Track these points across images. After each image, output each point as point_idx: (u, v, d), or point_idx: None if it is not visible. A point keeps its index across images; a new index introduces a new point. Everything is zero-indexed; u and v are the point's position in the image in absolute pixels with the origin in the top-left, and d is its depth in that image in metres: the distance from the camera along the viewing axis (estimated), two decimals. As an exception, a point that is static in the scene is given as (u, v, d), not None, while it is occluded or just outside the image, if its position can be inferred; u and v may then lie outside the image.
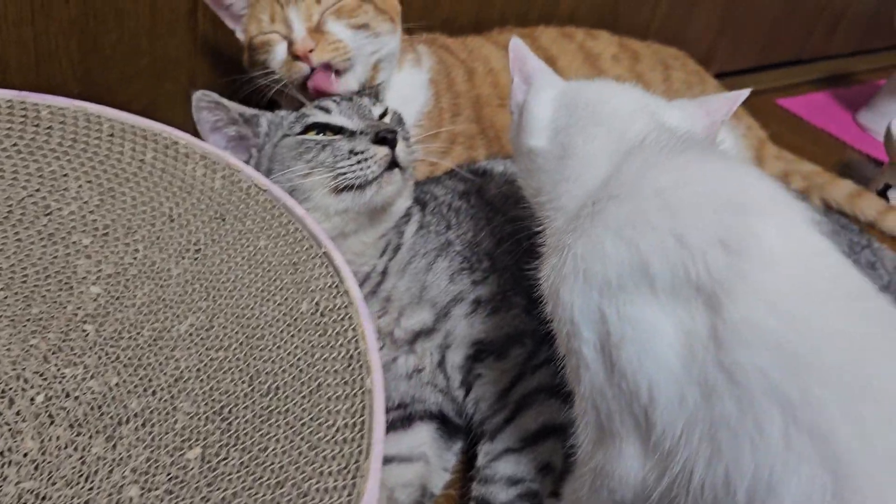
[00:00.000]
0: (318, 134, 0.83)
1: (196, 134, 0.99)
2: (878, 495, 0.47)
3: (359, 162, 0.78)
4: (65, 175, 0.78)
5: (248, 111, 0.87)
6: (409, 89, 1.02)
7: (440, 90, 1.05)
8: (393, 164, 0.80)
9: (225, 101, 0.85)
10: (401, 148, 0.81)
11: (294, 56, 0.91)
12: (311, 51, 0.90)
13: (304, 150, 0.81)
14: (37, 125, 0.80)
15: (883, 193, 1.47)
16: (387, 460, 0.80)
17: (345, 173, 0.78)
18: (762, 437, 0.49)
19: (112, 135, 0.80)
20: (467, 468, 0.82)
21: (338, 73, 0.93)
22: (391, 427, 0.83)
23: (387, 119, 0.88)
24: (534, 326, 0.80)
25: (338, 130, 0.83)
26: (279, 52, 0.93)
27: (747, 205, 0.56)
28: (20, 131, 0.79)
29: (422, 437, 0.82)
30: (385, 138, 0.79)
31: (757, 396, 0.50)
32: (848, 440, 0.48)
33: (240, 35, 0.98)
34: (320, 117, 0.83)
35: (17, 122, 0.79)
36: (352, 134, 0.82)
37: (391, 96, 1.01)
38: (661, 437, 0.54)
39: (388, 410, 0.84)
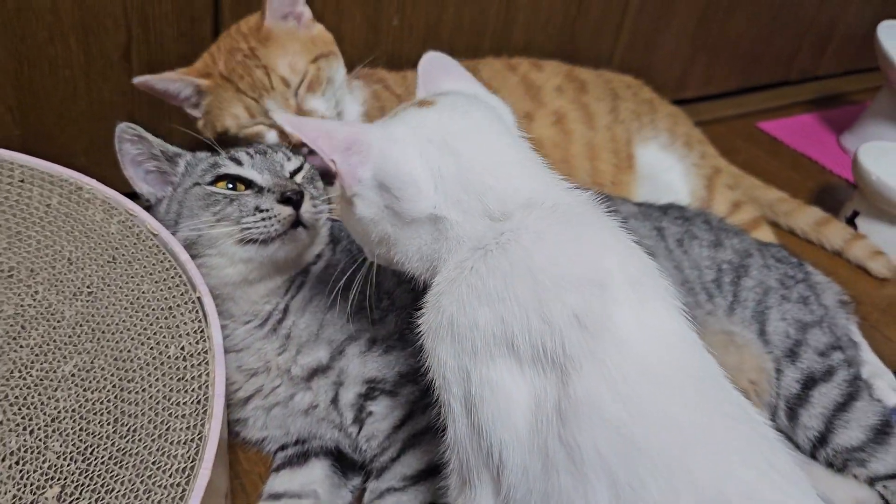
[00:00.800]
0: (228, 184, 0.84)
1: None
2: None
3: (263, 219, 0.80)
4: (-24, 219, 0.82)
5: (171, 149, 0.89)
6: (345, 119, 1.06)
7: (372, 120, 1.08)
8: (297, 223, 0.82)
9: (149, 135, 0.87)
10: (306, 208, 0.82)
11: (288, 141, 0.98)
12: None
13: (213, 202, 0.82)
14: (-48, 171, 0.84)
15: (851, 221, 1.44)
16: (277, 496, 0.82)
17: (249, 228, 0.80)
18: None
19: (23, 180, 0.84)
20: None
21: None
22: (288, 463, 0.85)
23: (301, 174, 0.89)
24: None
25: (248, 183, 0.84)
26: (270, 138, 1.00)
27: (607, 285, 0.57)
28: (-65, 176, 0.83)
29: (315, 474, 0.83)
30: (290, 199, 0.81)
31: (589, 473, 0.52)
32: None
33: (200, 121, 1.03)
34: (232, 169, 0.85)
35: (-68, 168, 0.84)
36: (260, 189, 0.83)
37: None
38: (508, 496, 0.57)
39: (286, 446, 0.86)
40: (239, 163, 0.84)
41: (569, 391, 0.52)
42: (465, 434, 0.58)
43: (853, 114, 1.87)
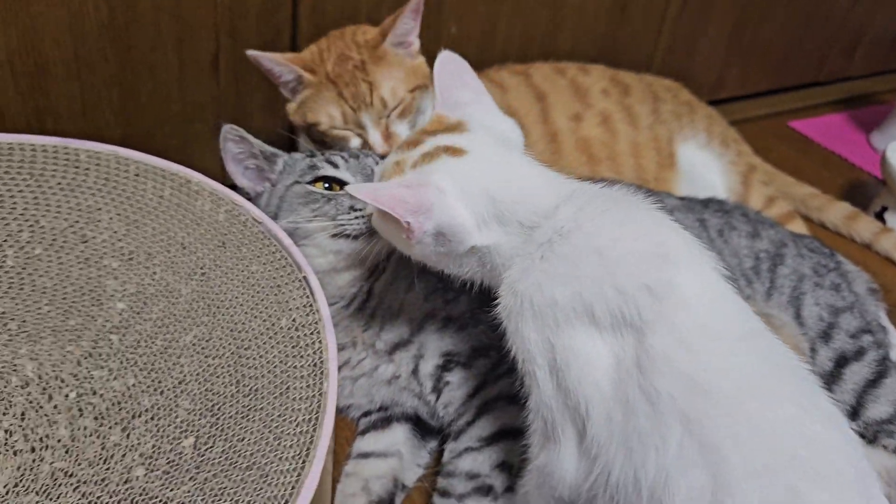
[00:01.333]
0: (325, 185, 0.94)
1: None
2: (744, 498, 0.58)
3: (356, 217, 0.90)
4: (98, 209, 0.92)
5: (269, 149, 0.99)
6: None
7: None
8: None
9: (250, 136, 0.98)
10: None
11: (370, 148, 1.07)
12: (386, 153, 1.01)
13: (312, 199, 0.92)
14: (77, 166, 0.95)
15: (880, 216, 1.52)
16: (366, 455, 0.92)
17: (343, 224, 0.90)
18: (664, 447, 0.61)
19: (137, 174, 0.94)
20: (439, 465, 0.93)
21: None
22: (373, 427, 0.95)
23: None
24: (498, 341, 0.91)
25: (342, 184, 0.94)
26: (354, 144, 1.08)
27: (668, 257, 0.68)
28: (63, 172, 0.94)
29: (398, 436, 0.93)
30: None
31: (664, 413, 0.61)
32: (728, 452, 0.60)
33: (292, 106, 1.11)
34: (329, 171, 0.95)
35: (60, 164, 0.95)
36: None
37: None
38: (590, 444, 0.66)
39: (370, 412, 0.97)
40: (335, 166, 0.95)
41: (646, 348, 0.62)
42: (552, 396, 0.68)
43: (881, 113, 1.94)
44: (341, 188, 0.93)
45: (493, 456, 0.85)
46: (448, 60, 0.86)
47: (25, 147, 0.94)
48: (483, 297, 0.93)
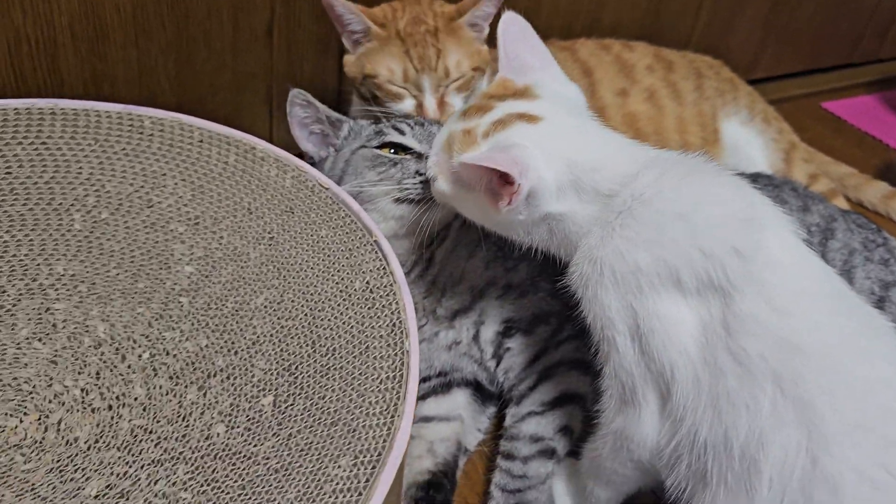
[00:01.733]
0: (391, 151, 0.95)
1: (281, 128, 1.14)
2: (841, 452, 0.59)
3: (421, 182, 0.91)
4: (164, 174, 0.93)
5: (334, 115, 1.00)
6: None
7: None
8: None
9: (316, 102, 0.99)
10: None
11: (422, 113, 1.09)
12: (438, 120, 1.05)
13: (378, 163, 0.94)
14: (141, 133, 0.96)
15: (917, 195, 1.52)
16: (428, 419, 0.93)
17: (408, 189, 0.91)
18: (755, 405, 0.62)
19: (202, 141, 0.95)
20: (497, 430, 0.95)
21: None
22: (433, 392, 0.96)
23: None
24: (558, 308, 0.92)
25: (407, 151, 0.95)
26: (406, 105, 1.10)
27: (754, 220, 0.68)
28: (128, 138, 0.95)
29: (458, 401, 0.95)
30: None
31: (755, 374, 0.63)
32: (822, 408, 0.61)
33: (350, 58, 1.13)
34: (396, 137, 0.96)
35: (125, 131, 0.95)
36: (419, 156, 0.94)
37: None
38: (676, 406, 0.67)
39: (429, 378, 0.98)
40: (402, 132, 0.96)
41: (734, 309, 0.63)
42: (633, 362, 0.69)
43: (913, 96, 1.94)
44: (406, 153, 0.94)
45: (556, 420, 0.87)
46: (512, 21, 0.84)
47: (90, 113, 0.95)
48: (544, 266, 0.94)
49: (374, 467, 0.62)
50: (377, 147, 0.94)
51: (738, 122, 1.38)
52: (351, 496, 0.60)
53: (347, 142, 0.97)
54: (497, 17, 1.14)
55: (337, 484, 0.62)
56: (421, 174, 0.90)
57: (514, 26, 0.84)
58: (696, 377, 0.65)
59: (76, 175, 0.92)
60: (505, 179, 0.71)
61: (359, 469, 0.62)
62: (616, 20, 1.52)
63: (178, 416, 0.74)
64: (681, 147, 1.30)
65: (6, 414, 0.74)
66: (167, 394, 0.76)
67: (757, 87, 1.58)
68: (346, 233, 0.86)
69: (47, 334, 0.80)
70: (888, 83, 2.09)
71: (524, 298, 0.92)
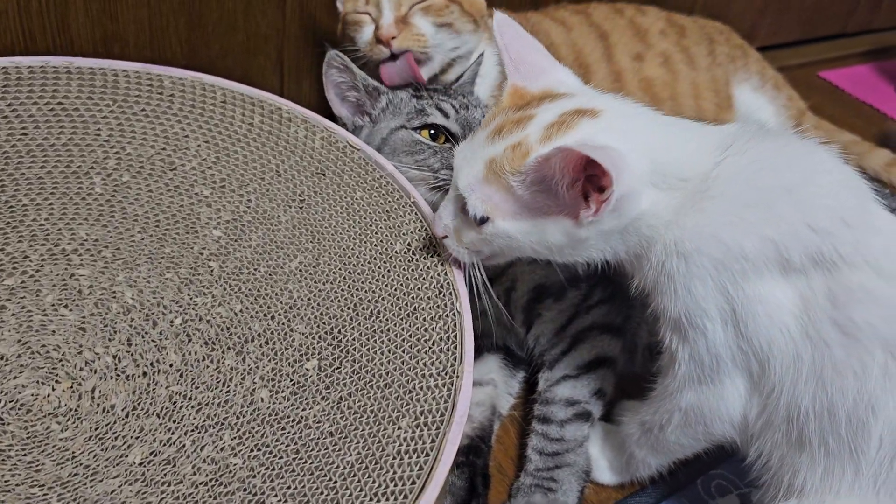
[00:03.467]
0: (430, 132, 0.91)
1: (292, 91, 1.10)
2: None
3: None
4: (185, 136, 0.90)
5: (372, 83, 0.96)
6: (485, 65, 1.11)
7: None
8: None
9: (354, 66, 0.94)
10: None
11: (377, 39, 0.98)
12: (393, 38, 0.96)
13: (418, 150, 0.91)
14: (160, 93, 0.92)
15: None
16: (460, 384, 0.93)
17: (446, 179, 0.88)
18: (864, 372, 0.62)
19: (224, 101, 0.92)
20: (527, 394, 0.94)
21: (417, 62, 1.00)
22: (463, 357, 0.95)
23: None
24: (588, 273, 0.91)
25: (448, 134, 0.92)
26: (367, 32, 1.00)
27: (856, 187, 0.67)
28: (147, 98, 0.92)
29: (490, 365, 0.94)
30: None
31: (863, 342, 0.62)
32: None
33: (339, 6, 1.07)
34: (439, 119, 0.92)
35: (143, 91, 0.92)
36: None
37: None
38: (771, 382, 0.66)
39: (459, 343, 0.97)
40: (445, 114, 0.92)
41: (840, 281, 0.62)
42: (721, 345, 0.66)
43: (907, 65, 1.96)
44: (447, 137, 0.91)
45: (590, 383, 0.86)
46: (506, 24, 0.76)
47: (107, 72, 0.92)
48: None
49: (438, 427, 0.61)
50: (417, 128, 0.92)
51: (750, 89, 1.38)
52: (419, 457, 0.59)
53: (385, 115, 0.94)
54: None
55: (400, 445, 0.61)
56: None
57: (509, 29, 0.76)
58: (795, 353, 0.64)
59: (95, 137, 0.89)
60: (593, 185, 0.62)
61: (422, 430, 0.61)
62: (625, -16, 1.50)
63: (218, 382, 0.72)
64: (695, 113, 1.29)
65: (37, 382, 0.72)
66: (203, 359, 0.74)
67: (756, 56, 1.58)
68: (383, 195, 0.84)
69: (73, 300, 0.78)
70: (882, 53, 2.10)
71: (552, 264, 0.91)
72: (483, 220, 0.69)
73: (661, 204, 0.66)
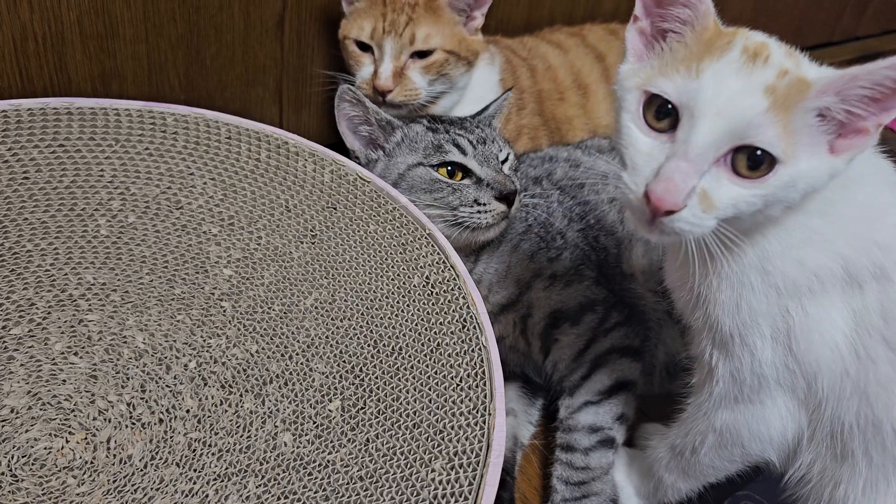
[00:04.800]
0: (447, 169, 0.91)
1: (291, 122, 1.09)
2: None
3: (479, 211, 0.88)
4: (191, 174, 0.89)
5: (385, 117, 0.96)
6: (482, 88, 1.12)
7: (507, 87, 1.15)
8: (505, 216, 0.90)
9: (366, 100, 0.95)
10: (516, 205, 0.90)
11: (373, 85, 1.02)
12: (389, 91, 1.01)
13: (436, 188, 0.90)
14: (164, 131, 0.91)
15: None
16: (480, 416, 0.91)
17: (463, 217, 0.88)
18: None
19: (229, 137, 0.91)
20: (546, 422, 0.93)
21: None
22: (480, 388, 0.94)
23: (507, 164, 0.95)
24: (604, 295, 0.90)
25: (466, 171, 0.91)
26: (365, 72, 1.04)
27: None
28: (150, 137, 0.90)
29: (509, 394, 0.92)
30: (507, 197, 0.89)
31: None
32: None
33: (344, 21, 1.08)
34: (457, 157, 0.91)
35: (146, 129, 0.91)
36: (478, 181, 0.90)
37: (469, 96, 1.11)
38: (815, 399, 0.65)
39: (476, 373, 0.95)
40: (463, 152, 0.92)
41: (894, 297, 0.61)
42: (767, 363, 0.65)
43: (893, 72, 1.97)
44: (464, 174, 0.91)
45: (613, 408, 0.85)
46: None
47: (108, 111, 0.90)
48: (585, 253, 0.92)
49: (474, 469, 0.59)
50: (436, 165, 0.91)
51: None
52: (457, 501, 0.57)
53: (401, 150, 0.94)
54: (492, 9, 1.11)
55: (436, 489, 0.59)
56: (480, 203, 0.88)
57: None
58: (844, 371, 0.63)
59: (98, 178, 0.87)
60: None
61: (458, 472, 0.59)
62: (616, 6, 1.50)
63: (238, 427, 0.70)
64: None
65: (50, 434, 0.69)
66: (221, 403, 0.72)
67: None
68: (397, 227, 0.83)
69: (83, 347, 0.76)
70: (866, 60, 2.12)
71: (570, 288, 0.90)
72: (770, 165, 0.55)
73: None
